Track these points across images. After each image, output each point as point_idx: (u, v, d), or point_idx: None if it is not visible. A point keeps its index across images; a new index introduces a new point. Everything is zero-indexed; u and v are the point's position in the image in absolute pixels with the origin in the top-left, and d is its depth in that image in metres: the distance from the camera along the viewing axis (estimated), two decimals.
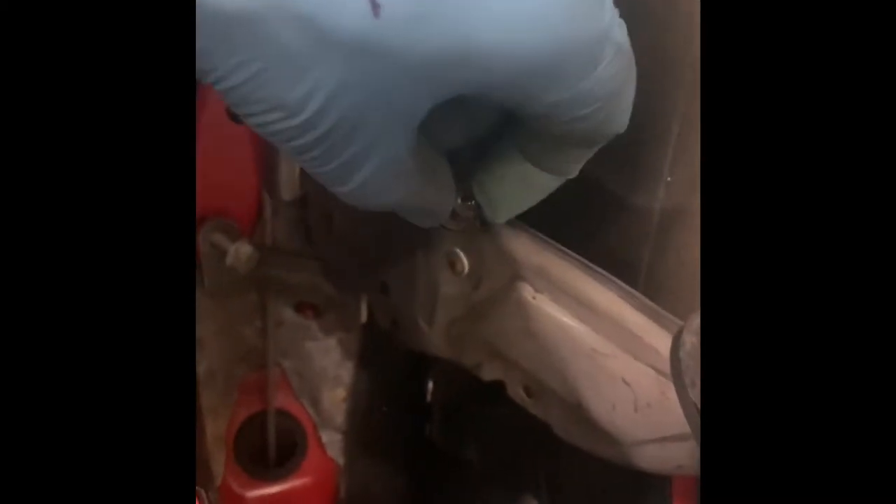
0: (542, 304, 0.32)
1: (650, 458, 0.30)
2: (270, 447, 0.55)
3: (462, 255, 0.35)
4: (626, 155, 0.32)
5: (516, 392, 0.36)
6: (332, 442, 0.56)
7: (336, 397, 0.56)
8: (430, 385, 0.57)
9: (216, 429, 0.53)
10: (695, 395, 0.24)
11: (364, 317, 0.45)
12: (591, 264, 0.31)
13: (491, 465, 0.47)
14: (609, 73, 0.22)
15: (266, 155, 0.44)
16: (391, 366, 0.56)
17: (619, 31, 0.22)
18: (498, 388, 0.38)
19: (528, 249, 0.32)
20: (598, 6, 0.21)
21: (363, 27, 0.18)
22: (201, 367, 0.51)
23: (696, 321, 0.23)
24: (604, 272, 0.31)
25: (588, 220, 0.34)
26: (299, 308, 0.53)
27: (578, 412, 0.32)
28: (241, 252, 0.46)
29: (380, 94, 0.20)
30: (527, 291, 0.32)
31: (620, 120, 0.25)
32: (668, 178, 0.31)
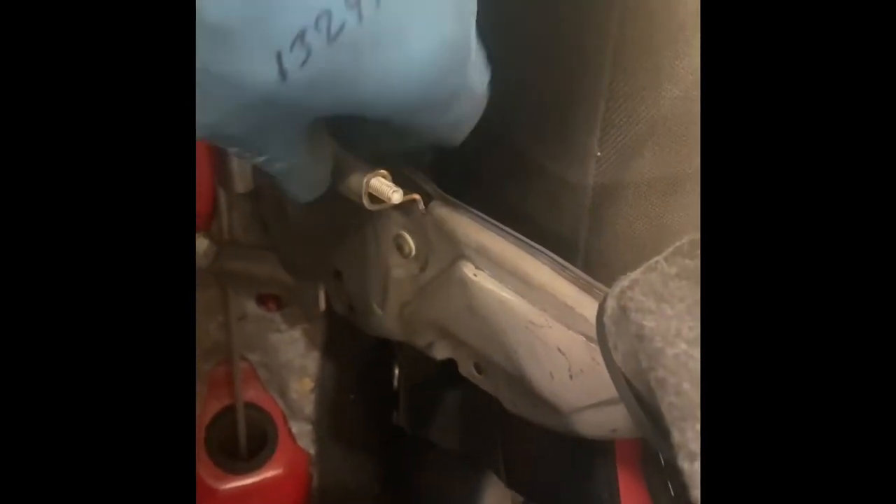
0: (482, 280, 0.32)
1: (588, 424, 0.31)
2: (241, 440, 0.56)
3: (409, 237, 0.36)
4: (559, 133, 0.33)
5: (468, 370, 0.37)
6: (302, 432, 0.57)
7: (303, 388, 0.57)
8: (396, 370, 0.58)
9: None
10: (618, 358, 0.25)
11: (322, 305, 0.46)
12: (527, 240, 0.32)
13: (454, 444, 0.48)
14: (459, 113, 0.29)
15: (218, 149, 0.45)
16: (357, 354, 0.57)
17: (479, 80, 0.29)
18: (454, 368, 0.39)
19: (468, 229, 0.33)
20: (462, 64, 0.27)
21: (272, 87, 0.23)
22: None
23: (617, 286, 0.24)
24: (539, 248, 0.32)
25: (526, 199, 0.35)
26: (261, 300, 0.54)
27: (522, 384, 0.33)
28: (198, 247, 0.46)
29: (281, 122, 0.26)
30: (468, 269, 0.33)
31: (457, 137, 0.31)
32: (598, 154, 0.32)
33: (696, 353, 0.21)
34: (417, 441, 0.52)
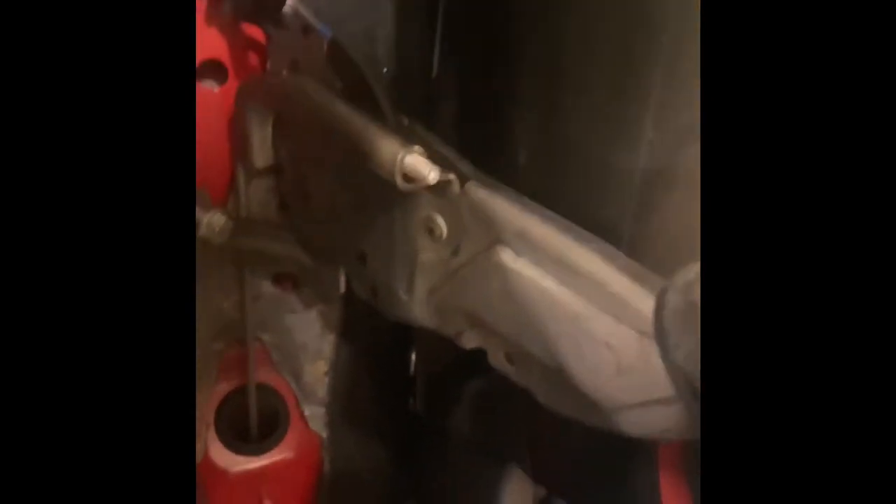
0: (522, 267, 0.31)
1: (634, 423, 0.30)
2: (252, 422, 0.54)
3: (440, 219, 0.34)
4: (606, 115, 0.31)
5: (498, 359, 0.36)
6: (314, 415, 0.56)
7: (317, 370, 0.55)
8: (414, 356, 0.57)
9: (197, 404, 0.52)
10: (679, 356, 0.23)
11: (342, 288, 0.44)
12: (573, 225, 0.30)
13: (475, 436, 0.47)
14: None
15: (238, 122, 0.43)
16: (373, 338, 0.55)
17: None
18: (480, 356, 0.38)
19: (508, 212, 0.31)
20: None
21: None
22: None
23: (681, 279, 0.23)
24: (586, 233, 0.30)
25: (569, 182, 0.33)
26: (277, 280, 0.52)
27: (560, 378, 0.31)
28: (214, 223, 0.44)
29: None
30: (507, 255, 0.31)
31: None
32: (651, 137, 0.30)
33: None
34: (434, 429, 0.51)
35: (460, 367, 0.49)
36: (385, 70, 0.39)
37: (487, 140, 0.37)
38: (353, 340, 0.55)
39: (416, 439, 0.56)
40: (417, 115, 0.38)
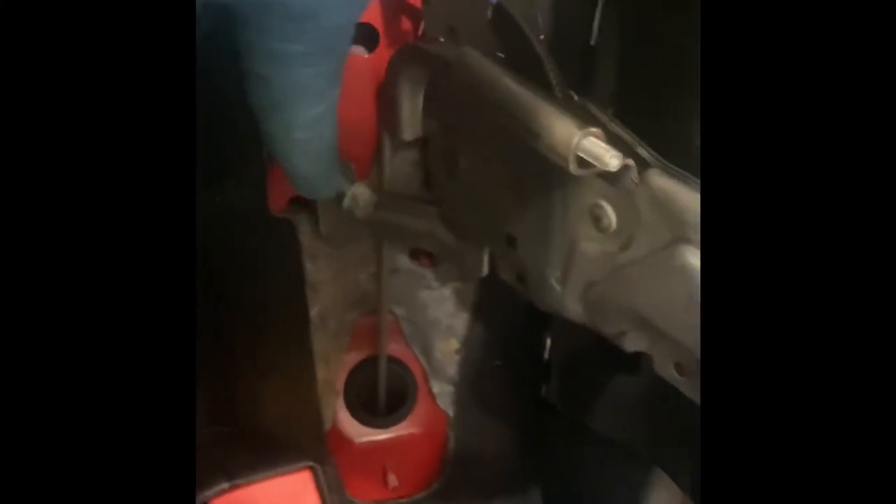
0: None
1: None
2: (381, 394, 0.54)
3: (610, 209, 0.31)
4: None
5: (665, 368, 0.32)
6: (443, 393, 0.55)
7: (448, 348, 0.54)
8: (548, 341, 0.54)
9: (327, 373, 0.52)
10: None
11: (485, 269, 0.42)
12: None
13: (617, 436, 0.43)
14: None
15: (386, 91, 0.41)
16: (508, 320, 0.53)
17: None
18: (632, 357, 0.34)
19: (697, 206, 0.27)
20: None
21: None
22: (313, 311, 0.50)
23: None
24: None
25: None
26: (415, 255, 0.50)
27: None
28: (358, 196, 0.43)
29: None
30: (693, 256, 0.27)
31: None
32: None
33: None
34: (568, 421, 0.48)
35: (600, 360, 0.46)
36: (541, 37, 0.35)
37: (655, 116, 0.33)
38: (486, 321, 0.53)
39: (545, 426, 0.54)
40: (574, 87, 0.35)
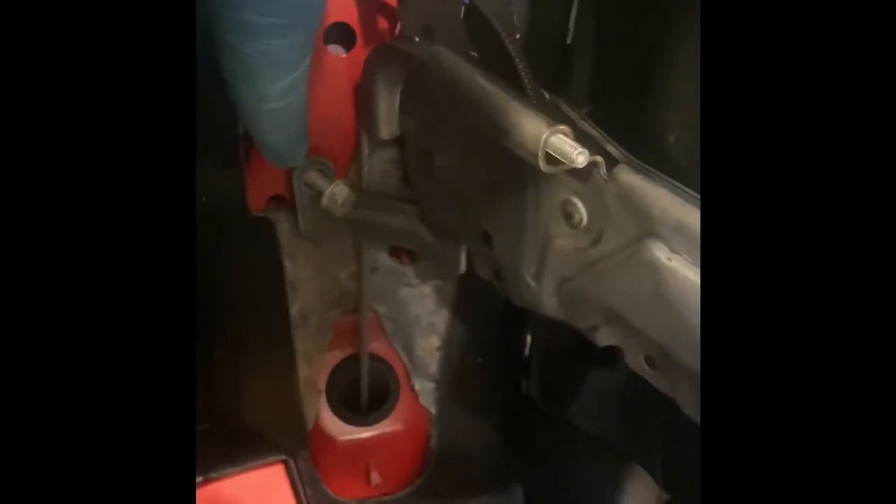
0: (679, 266, 0.27)
1: None
2: (363, 392, 0.54)
3: (581, 205, 0.31)
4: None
5: (636, 361, 0.33)
6: (424, 390, 0.55)
7: (430, 345, 0.54)
8: (528, 338, 0.55)
9: (309, 372, 0.52)
10: None
11: (463, 267, 0.42)
12: None
13: (593, 430, 0.44)
14: None
15: (365, 89, 0.41)
16: (488, 316, 0.53)
17: None
18: (609, 351, 0.35)
19: (665, 202, 0.27)
20: None
21: None
22: (294, 310, 0.50)
23: None
24: None
25: None
26: (394, 253, 0.51)
27: None
28: (337, 194, 0.43)
29: None
30: (661, 251, 0.28)
31: None
32: None
33: None
34: (548, 416, 0.49)
35: (578, 356, 0.47)
36: (517, 36, 0.36)
37: (629, 115, 0.34)
38: (467, 318, 0.53)
39: (526, 423, 0.54)
40: (549, 85, 0.35)
